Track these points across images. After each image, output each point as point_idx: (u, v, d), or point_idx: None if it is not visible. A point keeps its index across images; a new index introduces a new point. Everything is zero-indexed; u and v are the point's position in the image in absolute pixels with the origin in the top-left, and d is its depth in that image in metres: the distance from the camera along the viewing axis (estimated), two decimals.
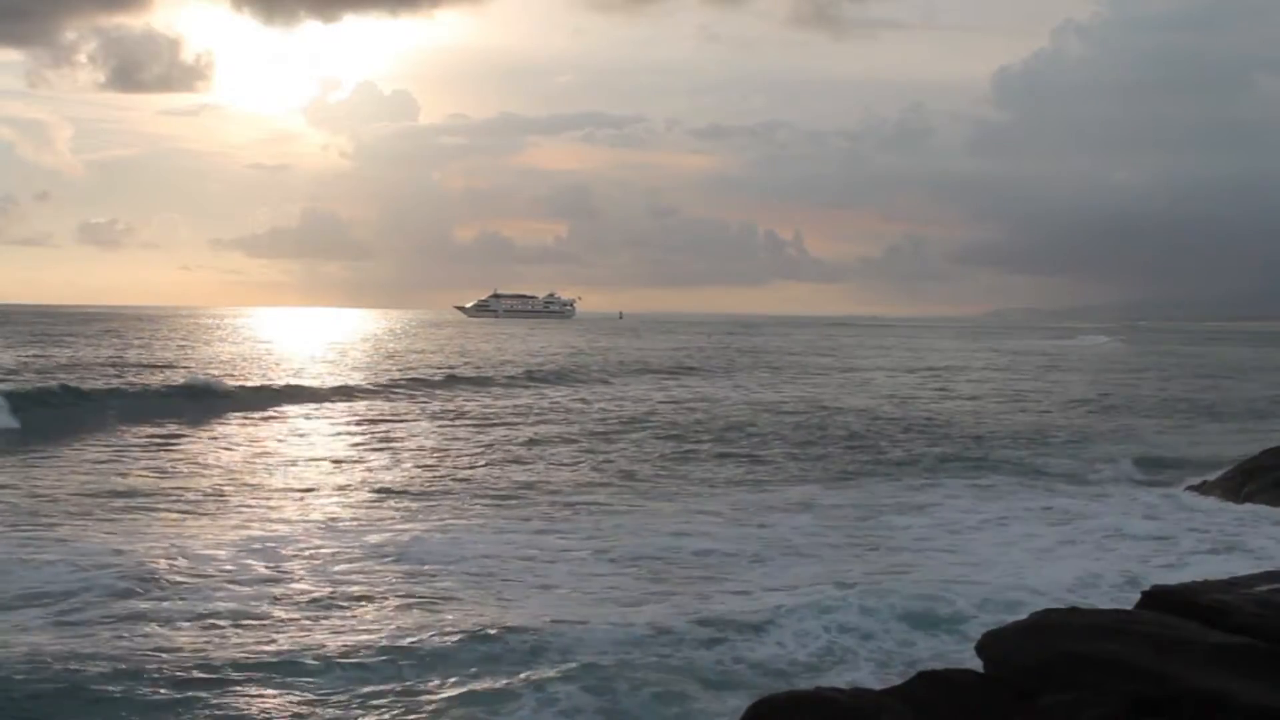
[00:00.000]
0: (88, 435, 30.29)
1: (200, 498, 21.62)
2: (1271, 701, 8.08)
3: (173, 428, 32.66)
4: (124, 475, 24.14)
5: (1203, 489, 23.50)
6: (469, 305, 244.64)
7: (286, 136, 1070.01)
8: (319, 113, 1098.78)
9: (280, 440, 31.58)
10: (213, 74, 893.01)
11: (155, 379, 47.45)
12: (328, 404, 42.01)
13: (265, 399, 42.05)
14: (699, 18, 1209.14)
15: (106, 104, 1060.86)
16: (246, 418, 36.65)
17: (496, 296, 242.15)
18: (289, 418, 37.28)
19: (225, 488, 22.87)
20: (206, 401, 39.71)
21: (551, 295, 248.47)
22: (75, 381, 42.74)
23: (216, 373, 53.21)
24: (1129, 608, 9.94)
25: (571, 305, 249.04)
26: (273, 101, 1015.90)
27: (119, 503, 20.75)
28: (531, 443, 31.20)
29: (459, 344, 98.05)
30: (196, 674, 11.39)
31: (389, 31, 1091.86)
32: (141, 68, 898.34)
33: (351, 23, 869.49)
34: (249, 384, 47.33)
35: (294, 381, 49.08)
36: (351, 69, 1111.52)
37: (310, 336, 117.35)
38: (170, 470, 25.13)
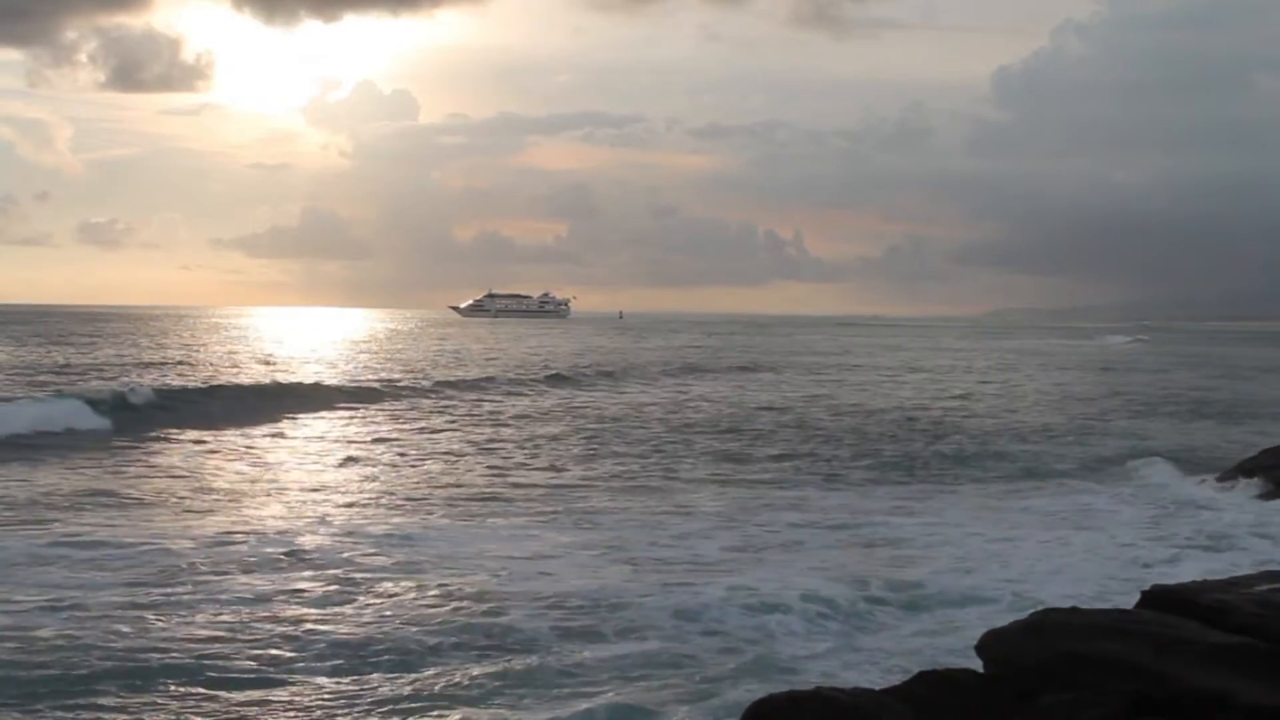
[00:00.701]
0: (174, 433, 31.67)
1: (252, 494, 22.42)
2: (1271, 701, 8.13)
3: (263, 427, 34.14)
4: (191, 472, 25.11)
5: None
6: (463, 305, 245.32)
7: (286, 136, 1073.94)
8: (319, 112, 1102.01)
9: (346, 440, 32.10)
10: (213, 73, 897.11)
11: (228, 379, 49.30)
12: (392, 403, 42.82)
13: (333, 398, 43.31)
14: (699, 17, 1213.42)
15: (107, 104, 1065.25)
16: (320, 417, 37.44)
17: (491, 296, 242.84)
18: (357, 417, 37.74)
19: (281, 484, 23.88)
20: (281, 401, 41.00)
21: (546, 295, 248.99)
22: (155, 382, 44.58)
23: (268, 371, 55.13)
24: (1129, 607, 10.00)
25: (566, 305, 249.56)
26: (273, 101, 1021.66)
27: (192, 499, 21.53)
28: (551, 441, 31.80)
29: (483, 345, 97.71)
30: (224, 663, 11.81)
31: (388, 31, 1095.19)
32: (142, 67, 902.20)
33: (352, 22, 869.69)
34: (307, 382, 48.63)
35: (347, 381, 50.22)
36: (351, 68, 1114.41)
37: (331, 335, 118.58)
38: (232, 468, 26.07)
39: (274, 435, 32.86)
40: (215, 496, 22.03)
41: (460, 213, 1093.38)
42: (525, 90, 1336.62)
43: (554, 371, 60.45)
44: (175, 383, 46.19)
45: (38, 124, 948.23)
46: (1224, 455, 28.55)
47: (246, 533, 18.08)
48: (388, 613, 13.69)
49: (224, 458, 27.80)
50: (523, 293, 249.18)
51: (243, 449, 29.58)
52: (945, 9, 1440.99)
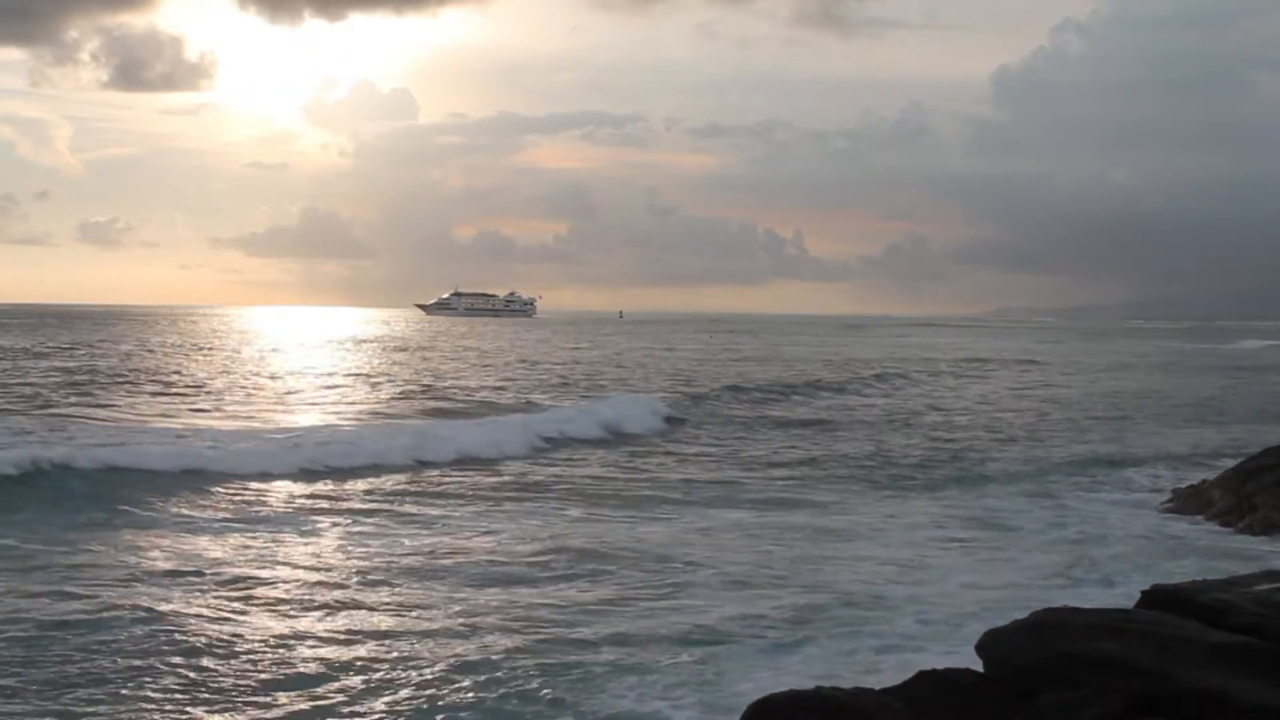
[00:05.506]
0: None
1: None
2: (1272, 701, 8.40)
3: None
4: None
5: (1202, 488, 24.08)
6: (430, 303, 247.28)
7: (286, 135, 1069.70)
8: (318, 111, 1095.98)
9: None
10: (216, 72, 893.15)
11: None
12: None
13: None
14: (699, 17, 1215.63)
15: (108, 103, 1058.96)
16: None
17: (458, 295, 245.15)
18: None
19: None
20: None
21: (512, 294, 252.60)
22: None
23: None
24: (1129, 607, 10.33)
25: (532, 304, 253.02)
26: (272, 100, 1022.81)
27: None
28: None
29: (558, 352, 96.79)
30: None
31: (388, 30, 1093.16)
32: (145, 66, 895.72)
33: (354, 21, 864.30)
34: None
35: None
36: (350, 68, 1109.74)
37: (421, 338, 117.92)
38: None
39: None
40: None
41: (460, 212, 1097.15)
42: (525, 90, 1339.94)
43: (875, 371, 66.80)
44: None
45: (38, 123, 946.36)
46: None
47: None
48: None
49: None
50: (489, 291, 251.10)
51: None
52: (945, 9, 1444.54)
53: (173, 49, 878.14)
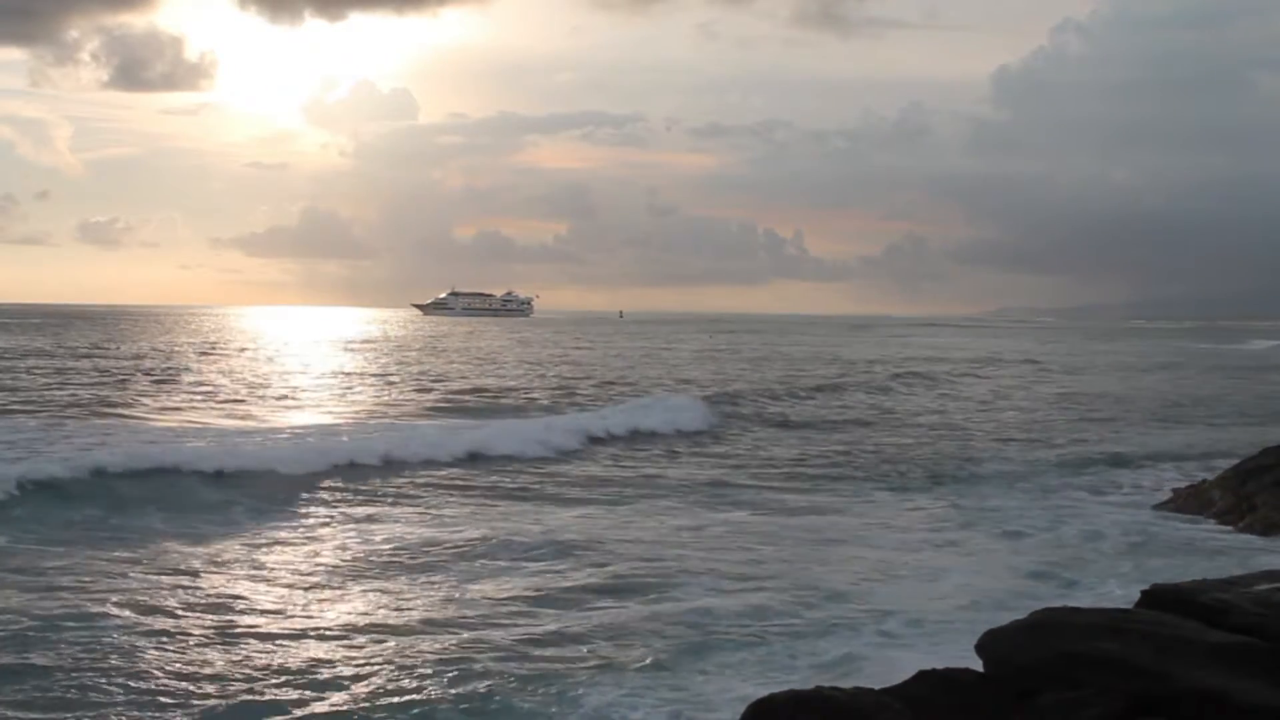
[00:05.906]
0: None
1: None
2: (1272, 700, 8.42)
3: None
4: None
5: (1202, 488, 24.12)
6: (427, 303, 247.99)
7: (286, 135, 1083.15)
8: (318, 111, 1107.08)
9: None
10: (216, 72, 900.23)
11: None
12: None
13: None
14: (699, 17, 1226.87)
15: (108, 103, 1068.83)
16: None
17: (455, 294, 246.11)
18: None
19: None
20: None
21: (509, 294, 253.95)
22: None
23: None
24: (1129, 607, 10.35)
25: (529, 304, 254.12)
26: (272, 100, 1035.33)
27: None
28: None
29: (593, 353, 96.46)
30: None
31: (387, 30, 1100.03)
32: (145, 66, 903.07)
33: (355, 21, 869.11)
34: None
35: None
36: (350, 67, 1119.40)
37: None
38: None
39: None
40: None
41: (460, 212, 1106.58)
42: (525, 90, 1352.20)
43: (876, 372, 68.10)
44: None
45: (38, 123, 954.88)
46: None
47: None
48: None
49: None
50: (486, 291, 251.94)
51: None
52: (945, 9, 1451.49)
53: (173, 49, 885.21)
